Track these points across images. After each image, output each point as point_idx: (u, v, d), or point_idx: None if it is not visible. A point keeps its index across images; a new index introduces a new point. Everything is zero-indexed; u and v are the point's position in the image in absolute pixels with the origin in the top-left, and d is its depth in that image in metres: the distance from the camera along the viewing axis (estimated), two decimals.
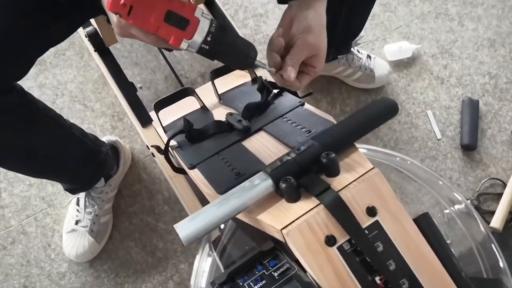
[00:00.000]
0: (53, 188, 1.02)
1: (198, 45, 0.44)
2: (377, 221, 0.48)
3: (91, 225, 0.92)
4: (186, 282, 0.95)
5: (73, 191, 0.91)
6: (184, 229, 0.46)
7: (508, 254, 0.92)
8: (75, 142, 0.80)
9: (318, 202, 0.48)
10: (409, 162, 1.02)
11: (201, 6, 1.04)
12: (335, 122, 0.62)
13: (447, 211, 0.99)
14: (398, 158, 1.00)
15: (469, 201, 1.04)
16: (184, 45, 0.43)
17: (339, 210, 0.47)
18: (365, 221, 0.47)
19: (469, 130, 1.09)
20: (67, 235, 0.95)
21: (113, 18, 0.46)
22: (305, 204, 0.48)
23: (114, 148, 0.99)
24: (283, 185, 0.48)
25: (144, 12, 0.42)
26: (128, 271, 0.96)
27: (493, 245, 0.91)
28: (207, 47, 0.44)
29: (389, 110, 0.58)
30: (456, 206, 0.98)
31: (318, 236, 0.46)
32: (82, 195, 0.94)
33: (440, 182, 1.02)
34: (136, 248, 0.97)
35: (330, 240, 0.46)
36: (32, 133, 0.68)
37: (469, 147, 1.09)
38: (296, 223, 0.46)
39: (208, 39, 0.44)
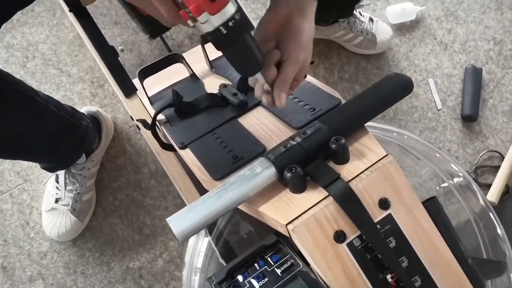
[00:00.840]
0: (29, 162, 0.95)
1: (216, 25, 0.38)
2: (390, 215, 0.44)
3: (73, 204, 0.86)
4: (176, 260, 0.91)
5: (51, 169, 0.84)
6: (179, 223, 0.41)
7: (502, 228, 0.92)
8: (51, 119, 0.71)
9: (327, 193, 0.43)
10: (406, 136, 0.98)
11: None
12: (341, 98, 0.57)
13: (445, 184, 0.98)
14: (395, 134, 0.96)
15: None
16: (203, 18, 0.36)
17: (349, 203, 0.43)
18: (377, 215, 0.44)
19: (471, 101, 1.05)
20: (47, 213, 0.89)
21: None
22: (312, 196, 0.44)
23: (95, 120, 0.91)
24: (288, 175, 0.43)
25: None
26: (114, 249, 0.91)
27: (490, 214, 0.91)
28: (225, 32, 0.38)
29: (403, 88, 0.52)
30: (455, 179, 0.97)
31: (327, 232, 0.42)
32: (61, 172, 0.87)
33: (438, 155, 1.00)
34: (122, 225, 0.93)
35: (339, 236, 0.42)
36: (0, 113, 0.60)
37: (470, 118, 1.05)
38: (303, 217, 0.42)
39: (230, 24, 0.38)
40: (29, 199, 0.93)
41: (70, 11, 0.78)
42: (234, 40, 0.39)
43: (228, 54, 0.41)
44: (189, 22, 0.38)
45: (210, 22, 0.37)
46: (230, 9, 0.37)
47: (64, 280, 0.90)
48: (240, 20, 0.38)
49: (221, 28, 0.38)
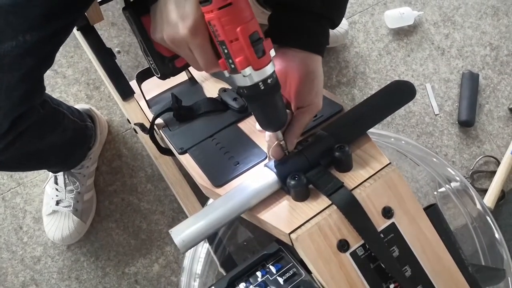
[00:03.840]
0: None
1: (256, 81, 0.38)
2: (393, 223, 0.44)
3: (75, 204, 0.85)
4: (173, 265, 0.90)
5: (56, 171, 0.84)
6: (181, 234, 0.41)
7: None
8: (71, 128, 0.73)
9: (330, 202, 0.43)
10: (403, 142, 0.98)
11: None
12: (340, 104, 0.56)
13: (442, 189, 0.98)
14: (392, 139, 0.97)
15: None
16: (246, 71, 0.37)
17: (353, 211, 0.42)
18: (381, 224, 0.43)
19: (468, 106, 1.05)
20: (48, 217, 0.87)
21: (172, 13, 0.38)
22: (315, 204, 0.43)
23: (89, 118, 0.90)
24: (292, 182, 0.43)
25: (238, 15, 0.35)
26: (109, 254, 0.90)
27: (488, 218, 0.91)
28: (262, 88, 0.38)
29: (406, 93, 0.52)
30: (452, 183, 0.97)
31: (330, 241, 0.42)
32: (60, 173, 0.85)
33: (435, 160, 1.00)
34: (118, 230, 0.91)
35: (343, 246, 0.42)
36: (43, 137, 0.61)
37: (467, 123, 1.05)
38: (306, 226, 0.42)
39: (268, 81, 0.38)
40: (22, 203, 0.91)
41: (78, 29, 0.77)
42: (267, 97, 0.40)
43: (256, 108, 0.42)
44: (226, 72, 0.39)
45: (251, 76, 0.38)
46: (271, 68, 0.38)
47: (58, 285, 0.88)
48: (276, 79, 0.39)
49: (260, 84, 0.38)
